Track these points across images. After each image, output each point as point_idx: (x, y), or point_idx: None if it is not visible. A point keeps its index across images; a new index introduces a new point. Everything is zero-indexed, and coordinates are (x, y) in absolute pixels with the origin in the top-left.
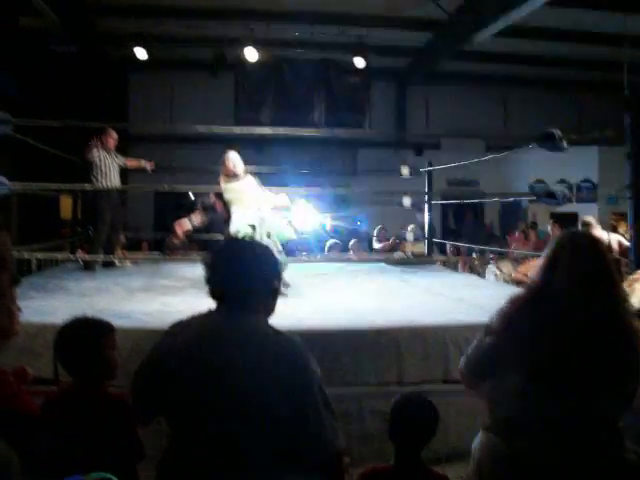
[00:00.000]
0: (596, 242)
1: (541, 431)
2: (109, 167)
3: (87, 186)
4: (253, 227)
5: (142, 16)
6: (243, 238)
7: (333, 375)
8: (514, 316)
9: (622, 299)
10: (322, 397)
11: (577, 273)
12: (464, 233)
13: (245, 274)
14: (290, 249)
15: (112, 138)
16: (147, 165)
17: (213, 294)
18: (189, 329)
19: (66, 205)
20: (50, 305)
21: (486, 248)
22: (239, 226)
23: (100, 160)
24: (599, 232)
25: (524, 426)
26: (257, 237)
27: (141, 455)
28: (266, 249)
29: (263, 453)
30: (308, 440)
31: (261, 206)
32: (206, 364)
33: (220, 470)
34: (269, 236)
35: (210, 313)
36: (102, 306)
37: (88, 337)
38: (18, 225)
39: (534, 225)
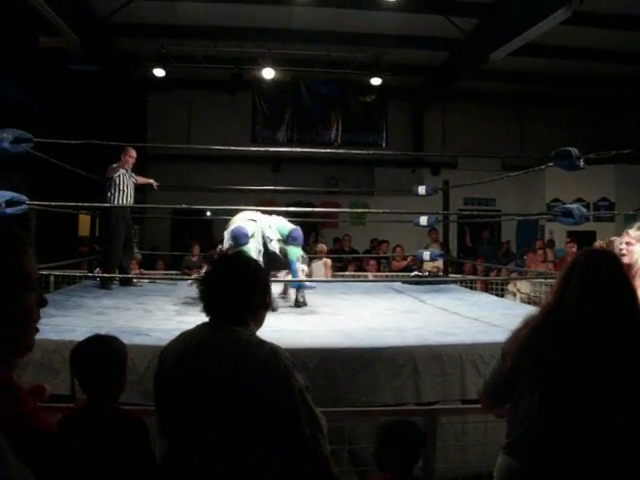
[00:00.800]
0: (612, 258)
1: (557, 452)
2: (126, 185)
3: (105, 205)
4: (254, 221)
5: (160, 36)
6: (234, 254)
7: (349, 395)
8: (528, 337)
9: (638, 315)
10: (305, 407)
11: (591, 290)
12: (481, 252)
13: (230, 289)
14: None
15: (131, 157)
16: (154, 183)
17: (205, 309)
18: (178, 342)
19: (84, 223)
20: (68, 322)
21: (503, 267)
22: (240, 221)
23: (119, 178)
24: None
25: (539, 447)
26: (258, 231)
27: (155, 472)
28: (254, 263)
29: (248, 462)
30: (291, 448)
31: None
32: (189, 375)
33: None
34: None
35: (199, 326)
36: (120, 324)
37: (111, 356)
38: (36, 243)
39: (551, 244)
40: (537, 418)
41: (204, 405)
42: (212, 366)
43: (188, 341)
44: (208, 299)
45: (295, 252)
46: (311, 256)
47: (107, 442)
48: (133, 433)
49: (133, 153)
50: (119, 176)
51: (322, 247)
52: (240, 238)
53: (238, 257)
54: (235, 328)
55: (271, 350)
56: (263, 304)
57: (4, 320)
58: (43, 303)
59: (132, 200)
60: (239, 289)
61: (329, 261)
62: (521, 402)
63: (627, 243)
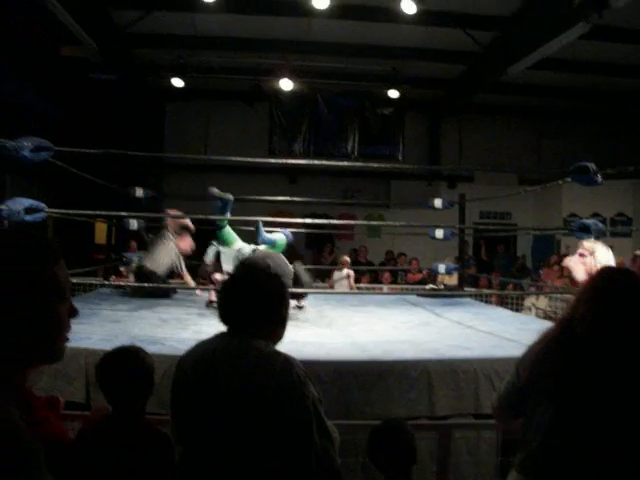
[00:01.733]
0: (628, 274)
1: (569, 469)
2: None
3: (122, 213)
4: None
5: (179, 46)
6: (252, 265)
7: (363, 407)
8: (543, 352)
9: None
10: (317, 418)
11: (607, 307)
12: (496, 266)
13: (246, 299)
14: None
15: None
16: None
17: (221, 318)
18: (195, 351)
19: (101, 231)
20: (84, 330)
21: (518, 282)
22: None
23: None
24: None
25: (551, 464)
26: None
27: None
28: (274, 277)
29: (260, 471)
30: (302, 458)
31: None
32: (204, 384)
33: None
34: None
35: (216, 336)
36: (136, 332)
37: (141, 369)
38: None
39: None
40: (549, 434)
41: (218, 414)
42: (226, 375)
43: (205, 350)
44: (225, 308)
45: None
46: (330, 268)
47: (131, 455)
48: (157, 447)
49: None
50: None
51: (345, 259)
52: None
53: (256, 268)
54: (251, 338)
55: (285, 361)
56: (280, 316)
57: (36, 329)
58: (74, 313)
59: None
60: (256, 300)
61: (352, 272)
62: (534, 417)
63: (580, 255)
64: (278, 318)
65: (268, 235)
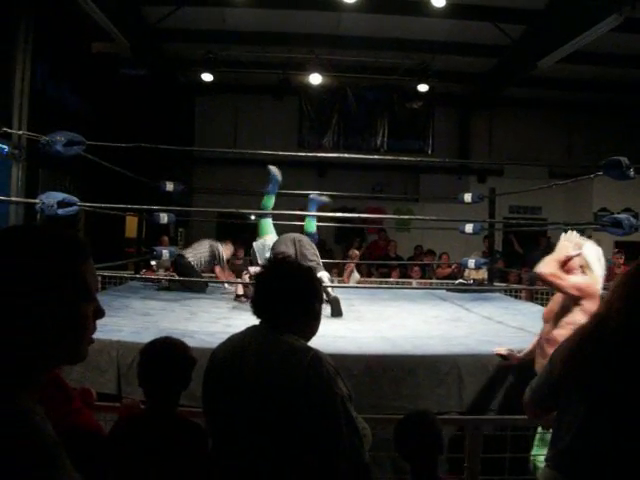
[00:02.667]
0: None
1: (602, 465)
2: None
3: (153, 207)
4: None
5: (208, 41)
6: (284, 259)
7: (393, 402)
8: (576, 346)
9: None
10: (345, 415)
11: (638, 300)
12: (528, 260)
13: (278, 294)
14: None
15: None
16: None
17: (254, 312)
18: (227, 344)
19: (131, 225)
20: (115, 323)
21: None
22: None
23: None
24: None
25: (585, 460)
26: None
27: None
28: (306, 270)
29: (288, 466)
30: (329, 454)
31: None
32: (234, 377)
33: None
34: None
35: (248, 329)
36: (166, 325)
37: (183, 360)
38: None
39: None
40: (582, 429)
41: (246, 408)
42: (255, 370)
43: (235, 344)
44: (257, 302)
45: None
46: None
47: (165, 446)
48: (191, 439)
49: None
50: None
51: (354, 252)
52: None
53: (290, 262)
54: (281, 333)
55: (314, 356)
56: (313, 310)
57: (61, 329)
58: (100, 315)
59: None
60: (289, 294)
61: (352, 266)
62: (566, 412)
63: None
64: (312, 313)
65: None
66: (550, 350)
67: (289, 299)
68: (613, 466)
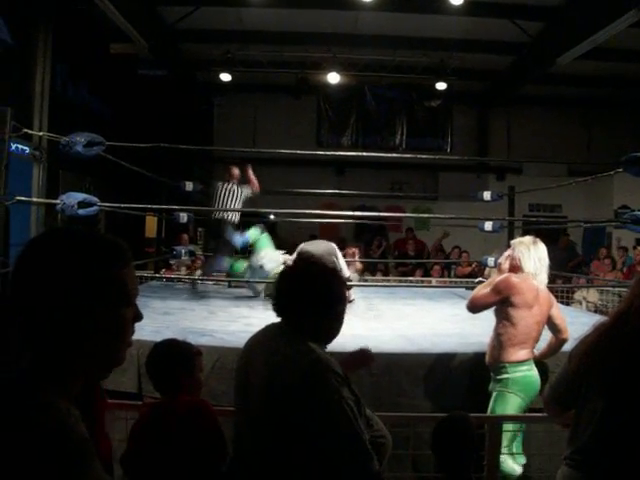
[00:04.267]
0: None
1: (620, 463)
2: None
3: (173, 207)
4: None
5: (226, 41)
6: (307, 260)
7: (412, 400)
8: (595, 343)
9: None
10: (346, 420)
11: None
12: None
13: (297, 295)
14: None
15: (229, 173)
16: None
17: (274, 310)
18: (248, 341)
19: (151, 224)
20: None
21: (568, 275)
22: None
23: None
24: None
25: (602, 457)
26: None
27: (224, 456)
28: (329, 273)
29: (287, 467)
30: (329, 458)
31: None
32: (245, 375)
33: None
34: None
35: (265, 328)
36: (186, 324)
37: (182, 358)
38: None
39: (623, 251)
40: (600, 428)
41: (251, 406)
42: (260, 369)
43: (252, 341)
44: (278, 301)
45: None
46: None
47: (178, 434)
48: (199, 419)
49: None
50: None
51: (352, 250)
52: None
53: (314, 263)
54: (296, 333)
55: (315, 360)
56: (336, 312)
57: (103, 333)
58: (139, 318)
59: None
60: (308, 296)
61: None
62: (584, 410)
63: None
64: (333, 314)
65: (240, 237)
66: (493, 344)
67: (310, 300)
68: (632, 464)
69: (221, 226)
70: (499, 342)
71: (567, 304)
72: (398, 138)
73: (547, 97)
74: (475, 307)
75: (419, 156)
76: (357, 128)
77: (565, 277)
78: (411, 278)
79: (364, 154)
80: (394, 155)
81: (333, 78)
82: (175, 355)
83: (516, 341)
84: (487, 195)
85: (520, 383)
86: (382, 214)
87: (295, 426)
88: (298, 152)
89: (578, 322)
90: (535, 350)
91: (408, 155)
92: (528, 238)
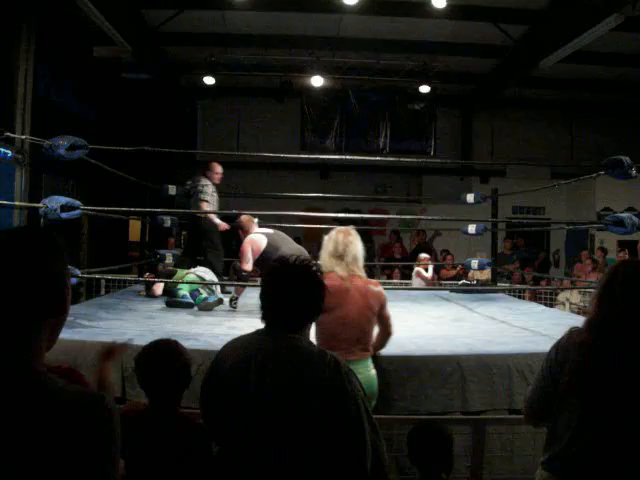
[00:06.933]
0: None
1: (597, 469)
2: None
3: (156, 210)
4: None
5: (210, 44)
6: (290, 261)
7: (397, 402)
8: (570, 351)
9: None
10: (367, 415)
11: (628, 304)
12: (515, 260)
13: (288, 296)
14: None
15: (215, 172)
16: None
17: (262, 316)
18: (235, 349)
19: (135, 228)
20: (119, 325)
21: (550, 277)
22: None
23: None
24: None
25: (579, 464)
26: None
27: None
28: (313, 270)
29: (309, 472)
30: (349, 454)
31: None
32: (251, 384)
33: None
34: None
35: (257, 333)
36: (170, 328)
37: (179, 361)
38: (88, 247)
39: (604, 250)
40: (577, 433)
41: (267, 414)
42: (275, 376)
43: (246, 349)
44: (265, 305)
45: None
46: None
47: (167, 445)
48: (194, 440)
49: (217, 168)
50: (203, 186)
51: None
52: None
53: (296, 263)
54: (293, 336)
55: (333, 359)
56: (320, 311)
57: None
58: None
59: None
60: (297, 297)
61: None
62: (561, 416)
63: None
64: (319, 312)
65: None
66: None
67: (306, 302)
68: (608, 468)
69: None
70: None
71: (550, 305)
72: (382, 141)
73: (530, 100)
74: None
75: (403, 159)
76: (341, 131)
77: (547, 279)
78: (395, 280)
79: (348, 157)
80: (378, 158)
81: (317, 81)
82: (174, 361)
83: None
84: (470, 198)
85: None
86: (366, 216)
87: (324, 424)
88: (282, 155)
89: (561, 324)
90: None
91: (392, 158)
92: (339, 228)
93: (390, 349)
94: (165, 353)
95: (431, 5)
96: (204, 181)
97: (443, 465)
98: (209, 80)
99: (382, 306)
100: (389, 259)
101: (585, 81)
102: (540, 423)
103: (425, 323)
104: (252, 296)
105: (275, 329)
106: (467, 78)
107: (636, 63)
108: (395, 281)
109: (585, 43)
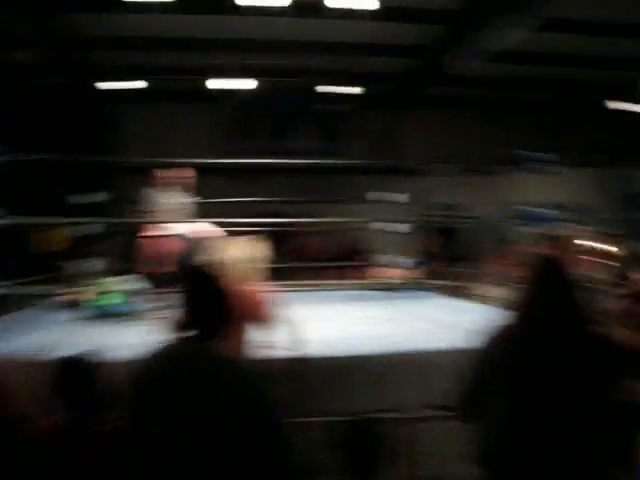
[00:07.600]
0: (552, 263)
1: (528, 463)
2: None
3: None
4: None
5: (127, 49)
6: (201, 268)
7: (330, 403)
8: (494, 346)
9: (583, 316)
10: (277, 418)
11: (547, 297)
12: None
13: (198, 303)
14: None
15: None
16: None
17: (183, 325)
18: (155, 357)
19: (57, 237)
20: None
21: (466, 271)
22: None
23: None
24: None
25: (510, 457)
26: None
27: None
28: (216, 276)
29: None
30: (263, 454)
31: None
32: (164, 391)
33: None
34: None
35: (175, 343)
36: (83, 341)
37: (92, 375)
38: None
39: (518, 246)
40: (507, 429)
41: (185, 422)
42: (189, 383)
43: (161, 359)
44: (187, 314)
45: None
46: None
47: (83, 459)
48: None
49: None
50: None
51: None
52: None
53: (201, 270)
54: (207, 343)
55: (244, 365)
56: (229, 316)
57: None
58: None
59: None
60: (218, 303)
61: None
62: (491, 412)
63: None
64: (229, 317)
65: None
66: None
67: (219, 307)
68: (538, 462)
69: None
70: None
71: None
72: (305, 143)
73: (449, 98)
74: None
75: (325, 161)
76: (263, 134)
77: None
78: (329, 281)
79: (271, 161)
80: (301, 161)
81: (240, 84)
82: (93, 371)
83: None
84: (392, 197)
85: None
86: (288, 220)
87: (236, 431)
88: (201, 161)
89: (487, 319)
90: None
91: (314, 160)
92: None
93: (321, 349)
94: (83, 367)
95: (352, 8)
96: (147, 191)
97: (377, 463)
98: (129, 84)
99: None
100: (318, 260)
101: (502, 80)
102: (472, 419)
103: (354, 323)
104: None
105: (193, 338)
106: (388, 78)
107: (550, 62)
108: (329, 282)
109: (501, 43)
